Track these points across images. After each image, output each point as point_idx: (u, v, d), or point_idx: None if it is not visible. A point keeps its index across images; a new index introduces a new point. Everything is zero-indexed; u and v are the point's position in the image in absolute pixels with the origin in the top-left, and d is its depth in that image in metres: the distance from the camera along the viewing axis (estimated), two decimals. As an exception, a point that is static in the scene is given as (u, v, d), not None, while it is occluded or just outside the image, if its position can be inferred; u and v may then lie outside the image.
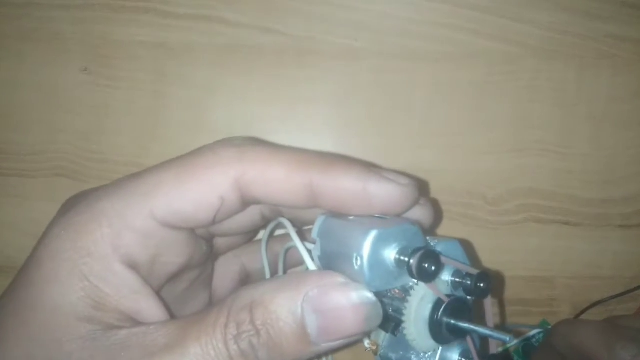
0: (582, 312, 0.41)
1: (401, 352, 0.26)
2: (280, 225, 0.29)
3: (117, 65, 0.39)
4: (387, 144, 0.40)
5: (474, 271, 0.25)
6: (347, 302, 0.22)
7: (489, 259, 0.41)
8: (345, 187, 0.25)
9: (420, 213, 0.28)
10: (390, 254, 0.24)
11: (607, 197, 0.41)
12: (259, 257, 0.33)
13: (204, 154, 0.26)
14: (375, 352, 0.26)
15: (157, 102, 0.39)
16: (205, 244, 0.29)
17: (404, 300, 0.25)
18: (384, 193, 0.25)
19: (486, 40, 0.40)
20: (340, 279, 0.23)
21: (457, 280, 0.25)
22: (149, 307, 0.25)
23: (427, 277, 0.23)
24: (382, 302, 0.24)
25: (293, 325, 0.22)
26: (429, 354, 0.26)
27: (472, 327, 0.24)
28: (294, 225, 0.28)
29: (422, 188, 0.29)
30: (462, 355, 0.26)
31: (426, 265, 0.23)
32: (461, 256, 0.27)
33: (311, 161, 0.25)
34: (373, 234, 0.23)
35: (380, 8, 0.39)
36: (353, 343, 0.23)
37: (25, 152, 0.39)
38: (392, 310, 0.25)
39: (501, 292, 0.41)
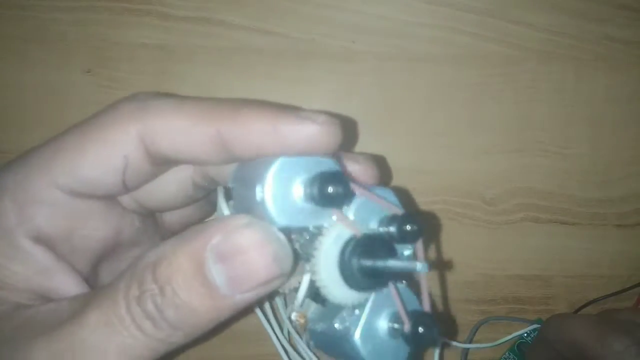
0: (578, 310, 0.41)
1: (328, 321, 0.23)
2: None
3: (119, 66, 0.39)
4: (387, 145, 0.40)
5: (400, 211, 0.22)
6: (250, 242, 0.20)
7: (487, 258, 0.41)
8: (255, 130, 0.22)
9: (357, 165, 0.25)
10: (298, 187, 0.21)
11: (605, 197, 0.42)
12: None
13: (105, 112, 0.24)
14: (302, 326, 0.24)
15: (159, 103, 0.39)
16: (139, 218, 0.27)
17: (315, 240, 0.22)
18: (297, 133, 0.22)
19: (485, 42, 0.40)
20: (243, 220, 0.21)
21: (384, 229, 0.23)
22: (64, 284, 0.23)
23: (331, 201, 0.20)
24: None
25: (198, 277, 0.20)
26: (353, 317, 0.23)
27: (382, 263, 0.21)
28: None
29: (349, 127, 0.26)
30: (392, 319, 0.23)
31: (329, 189, 0.20)
32: (395, 204, 0.24)
33: (217, 108, 0.23)
34: (277, 162, 0.21)
35: (378, 11, 0.39)
36: (272, 292, 0.21)
37: (29, 152, 0.39)
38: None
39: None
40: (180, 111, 0.23)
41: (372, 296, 0.23)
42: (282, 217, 0.21)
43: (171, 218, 0.30)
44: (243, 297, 0.21)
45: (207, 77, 0.39)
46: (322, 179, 0.21)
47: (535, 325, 0.40)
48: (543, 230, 0.41)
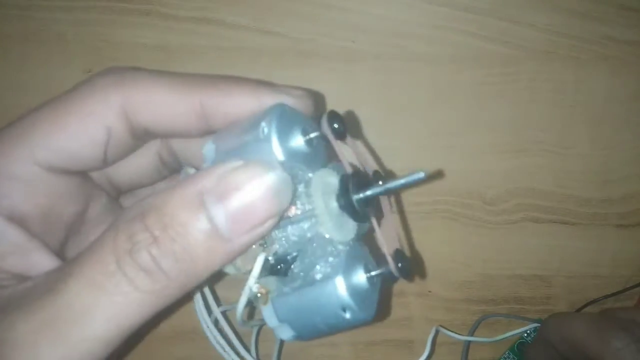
0: (578, 310, 0.41)
1: (301, 279, 0.24)
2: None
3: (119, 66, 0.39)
4: (387, 145, 0.40)
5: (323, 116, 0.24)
6: (250, 178, 0.20)
7: (487, 258, 0.41)
8: (239, 103, 0.24)
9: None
10: (296, 133, 0.23)
11: (605, 197, 0.42)
12: None
13: (81, 85, 0.23)
14: (264, 300, 0.24)
15: (159, 103, 0.39)
16: (106, 196, 0.27)
17: (307, 195, 0.23)
18: None
19: (485, 42, 0.40)
20: (237, 162, 0.20)
21: (310, 137, 0.24)
22: (38, 263, 0.22)
23: (337, 135, 0.23)
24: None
25: (197, 220, 0.19)
26: (330, 267, 0.23)
27: (384, 187, 0.23)
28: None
29: (317, 100, 0.29)
30: (365, 270, 0.24)
31: (336, 125, 0.23)
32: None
33: (199, 81, 0.24)
34: (279, 105, 0.23)
35: (378, 10, 0.39)
36: (267, 234, 0.21)
37: (29, 152, 0.39)
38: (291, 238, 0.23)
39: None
40: (162, 83, 0.23)
41: (345, 250, 0.24)
42: (285, 153, 0.22)
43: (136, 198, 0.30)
44: (241, 240, 0.20)
45: (207, 77, 0.39)
46: (331, 115, 0.23)
47: (534, 325, 0.40)
48: (543, 230, 0.41)
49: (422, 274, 0.41)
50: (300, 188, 0.23)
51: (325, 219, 0.23)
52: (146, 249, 0.19)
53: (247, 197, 0.20)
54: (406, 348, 0.41)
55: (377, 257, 0.25)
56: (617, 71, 0.41)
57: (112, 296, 0.19)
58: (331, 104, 0.40)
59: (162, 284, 0.19)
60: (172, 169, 0.29)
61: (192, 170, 0.26)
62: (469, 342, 0.40)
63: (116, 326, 0.19)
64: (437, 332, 0.38)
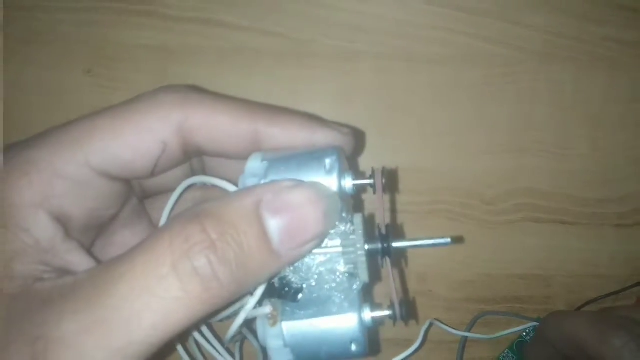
0: (577, 309, 0.41)
1: (314, 307, 0.25)
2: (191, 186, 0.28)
3: (120, 67, 0.39)
4: (387, 144, 0.41)
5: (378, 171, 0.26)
6: (304, 198, 0.21)
7: (487, 258, 0.41)
8: (294, 135, 0.26)
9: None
10: (348, 179, 0.25)
11: (604, 197, 0.42)
12: None
13: (143, 99, 0.24)
14: (274, 321, 0.24)
15: (159, 103, 0.39)
16: (137, 200, 0.28)
17: (349, 232, 0.24)
18: (327, 139, 0.26)
19: (484, 43, 0.40)
20: (291, 182, 0.22)
21: (359, 182, 0.25)
22: (74, 261, 0.23)
23: (385, 188, 0.25)
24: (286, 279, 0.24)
25: (254, 232, 0.20)
26: (346, 304, 0.25)
27: (417, 243, 0.25)
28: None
29: (358, 137, 0.32)
30: (372, 309, 0.26)
31: (384, 180, 0.25)
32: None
33: (257, 109, 0.25)
34: (340, 147, 0.26)
35: (379, 11, 0.39)
36: (308, 253, 0.23)
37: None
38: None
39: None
40: (223, 107, 0.25)
41: (359, 288, 0.25)
42: (339, 189, 0.24)
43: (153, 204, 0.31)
44: (288, 255, 0.21)
45: (207, 77, 0.39)
46: (384, 171, 0.25)
47: (533, 324, 0.40)
48: (543, 230, 0.41)
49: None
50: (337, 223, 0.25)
51: (362, 258, 0.24)
52: (204, 253, 0.19)
53: (302, 214, 0.21)
54: (406, 347, 0.41)
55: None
56: (616, 72, 0.41)
57: (162, 301, 0.19)
58: (331, 104, 0.40)
59: (212, 292, 0.20)
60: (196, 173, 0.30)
61: (216, 180, 0.27)
62: (466, 338, 0.40)
63: (162, 332, 0.19)
64: (431, 324, 0.38)
